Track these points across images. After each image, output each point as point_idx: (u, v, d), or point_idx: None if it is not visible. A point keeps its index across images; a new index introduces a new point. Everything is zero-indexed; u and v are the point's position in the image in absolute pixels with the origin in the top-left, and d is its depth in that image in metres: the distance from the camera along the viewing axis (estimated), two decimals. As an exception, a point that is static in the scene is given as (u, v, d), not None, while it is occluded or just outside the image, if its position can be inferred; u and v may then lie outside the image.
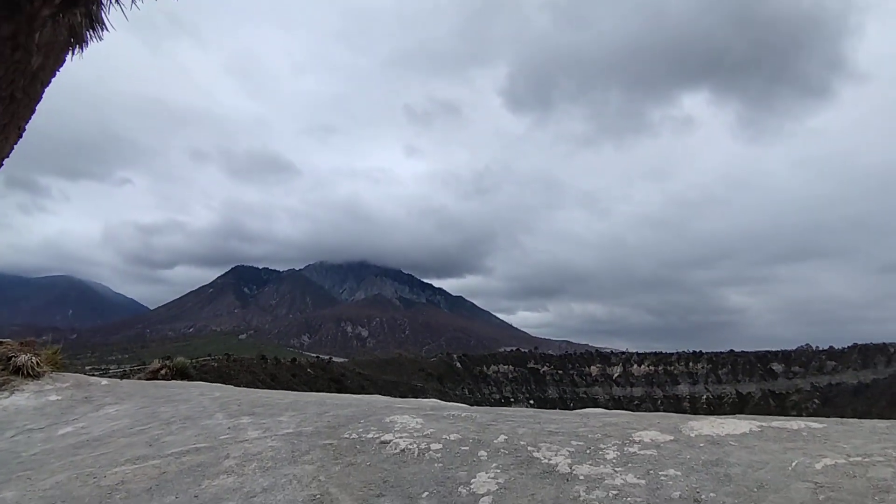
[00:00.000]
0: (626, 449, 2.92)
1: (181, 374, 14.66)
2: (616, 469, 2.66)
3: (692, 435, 3.06)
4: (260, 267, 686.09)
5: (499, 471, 2.77)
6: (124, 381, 7.23)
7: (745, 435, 2.98)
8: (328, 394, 7.43)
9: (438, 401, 7.94)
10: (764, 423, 3.18)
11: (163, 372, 15.52)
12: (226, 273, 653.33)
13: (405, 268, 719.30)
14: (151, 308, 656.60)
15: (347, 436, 3.42)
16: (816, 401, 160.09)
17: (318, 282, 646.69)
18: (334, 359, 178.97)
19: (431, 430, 3.41)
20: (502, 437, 3.20)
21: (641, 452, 2.84)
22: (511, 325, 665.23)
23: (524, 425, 3.47)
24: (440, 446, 3.12)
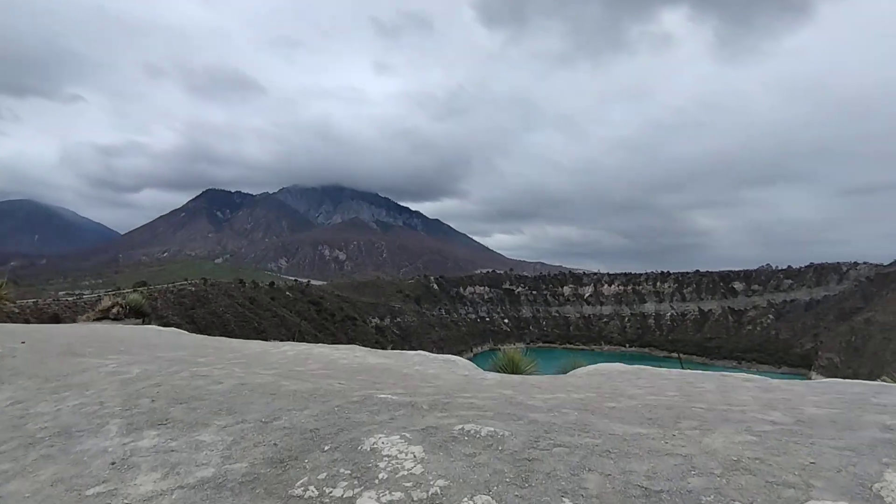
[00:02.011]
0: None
1: (135, 312, 13.17)
2: None
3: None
4: (232, 191, 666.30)
5: None
6: (33, 334, 5.85)
7: None
8: (294, 350, 6.19)
9: (426, 355, 6.84)
10: None
11: (114, 311, 14.05)
12: (197, 197, 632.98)
13: (381, 191, 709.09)
14: (121, 233, 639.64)
15: (300, 491, 2.02)
16: (771, 316, 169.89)
17: (293, 205, 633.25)
18: (312, 282, 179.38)
19: (441, 482, 1.97)
20: (567, 504, 1.79)
21: None
22: (487, 248, 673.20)
23: (588, 461, 2.13)
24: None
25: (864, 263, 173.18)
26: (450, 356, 6.83)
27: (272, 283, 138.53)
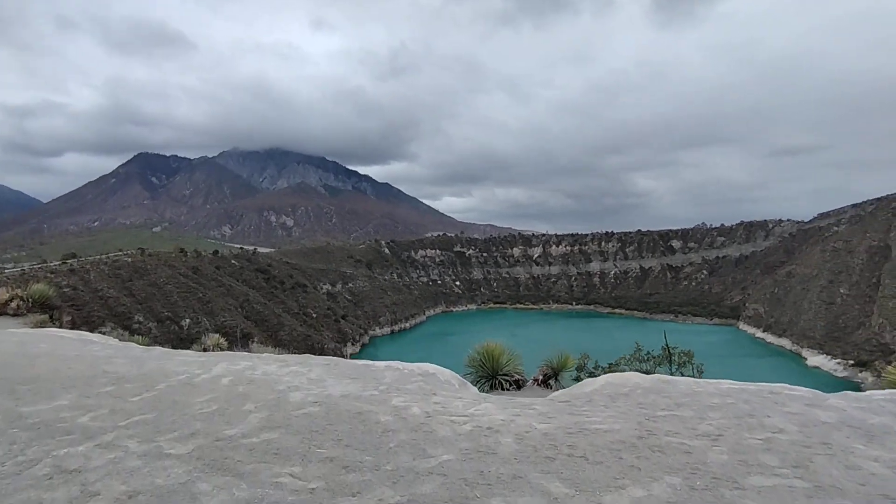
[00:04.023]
0: None
1: (41, 305, 11.09)
2: None
3: None
4: (167, 154, 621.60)
5: None
6: None
7: None
8: (229, 377, 4.77)
9: (400, 370, 5.58)
10: None
11: (14, 305, 11.85)
12: (128, 161, 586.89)
13: (328, 154, 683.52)
14: (45, 201, 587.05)
15: None
16: (705, 271, 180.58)
17: (234, 170, 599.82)
18: (259, 249, 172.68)
19: None
20: None
21: None
22: (437, 211, 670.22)
23: None
24: None
25: (788, 220, 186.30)
26: (428, 368, 5.87)
27: (216, 252, 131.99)
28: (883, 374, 6.98)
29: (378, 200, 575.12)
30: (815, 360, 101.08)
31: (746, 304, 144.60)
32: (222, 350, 9.28)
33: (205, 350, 9.02)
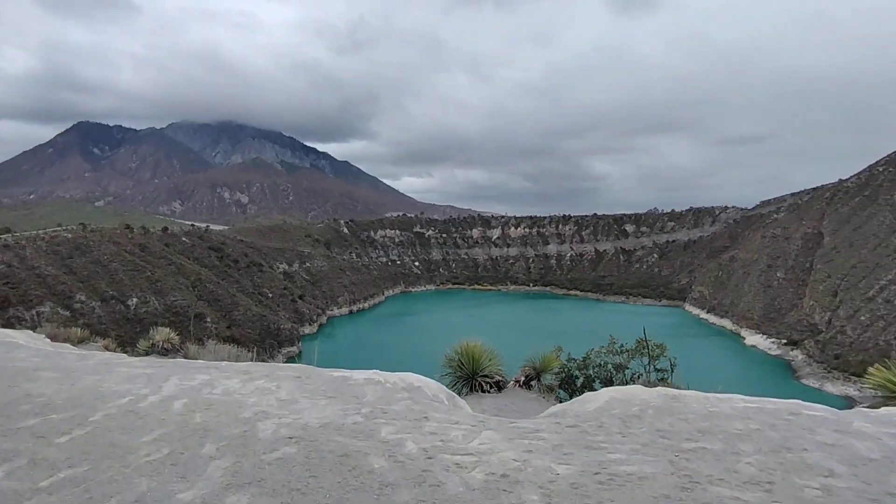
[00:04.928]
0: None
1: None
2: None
3: None
4: (111, 124, 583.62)
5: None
6: None
7: None
8: (182, 399, 4.44)
9: (381, 383, 5.06)
10: None
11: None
12: (67, 130, 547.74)
13: (285, 130, 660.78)
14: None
15: None
16: (655, 255, 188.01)
17: (185, 143, 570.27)
18: (212, 226, 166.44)
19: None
20: None
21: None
22: (397, 191, 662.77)
23: None
24: None
25: (733, 207, 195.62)
26: (413, 381, 5.39)
27: (165, 229, 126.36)
28: (865, 376, 7.35)
29: (337, 179, 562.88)
30: (753, 339, 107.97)
31: (692, 287, 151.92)
32: (174, 346, 8.85)
33: (152, 346, 8.61)
